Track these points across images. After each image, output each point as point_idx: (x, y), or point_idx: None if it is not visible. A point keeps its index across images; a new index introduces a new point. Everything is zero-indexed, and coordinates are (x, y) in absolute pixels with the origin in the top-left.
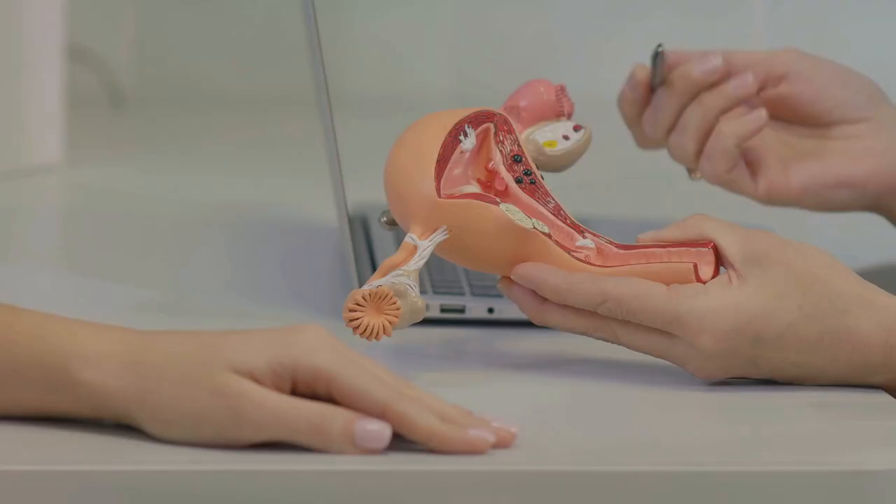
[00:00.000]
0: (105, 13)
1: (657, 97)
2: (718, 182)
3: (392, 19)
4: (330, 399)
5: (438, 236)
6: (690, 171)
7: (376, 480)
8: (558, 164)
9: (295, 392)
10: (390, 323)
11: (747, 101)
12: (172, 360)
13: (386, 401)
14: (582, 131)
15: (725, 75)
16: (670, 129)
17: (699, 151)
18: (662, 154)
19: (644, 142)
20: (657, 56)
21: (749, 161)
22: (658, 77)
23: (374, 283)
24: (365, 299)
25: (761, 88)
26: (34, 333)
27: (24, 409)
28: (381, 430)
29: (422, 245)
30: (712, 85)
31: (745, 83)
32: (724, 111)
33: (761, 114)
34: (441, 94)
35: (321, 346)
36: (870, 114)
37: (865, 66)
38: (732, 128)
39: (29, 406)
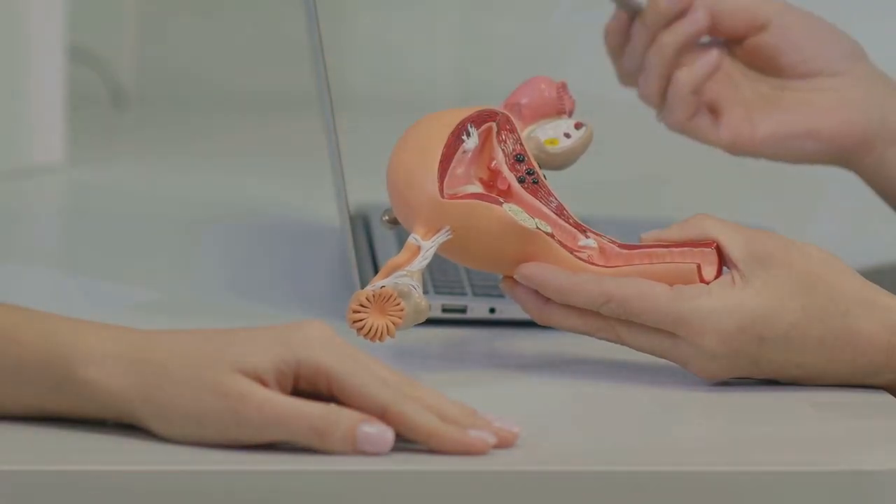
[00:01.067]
0: (106, 13)
1: (633, 29)
2: (680, 130)
3: (394, 19)
4: (331, 396)
5: (441, 237)
6: (658, 114)
7: (376, 480)
8: (559, 162)
9: (297, 388)
10: (394, 324)
11: (725, 49)
12: (176, 360)
13: (385, 400)
14: (583, 129)
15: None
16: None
17: (662, 93)
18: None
19: (625, 78)
20: None
21: (715, 109)
22: (631, 6)
23: (378, 283)
24: (369, 300)
25: (744, 36)
26: (37, 332)
27: (27, 408)
28: (383, 435)
29: (425, 246)
30: (676, 20)
31: (695, 19)
32: (681, 50)
33: (711, 57)
34: (443, 94)
35: (323, 343)
36: (845, 68)
37: None
38: (685, 75)
39: (32, 405)
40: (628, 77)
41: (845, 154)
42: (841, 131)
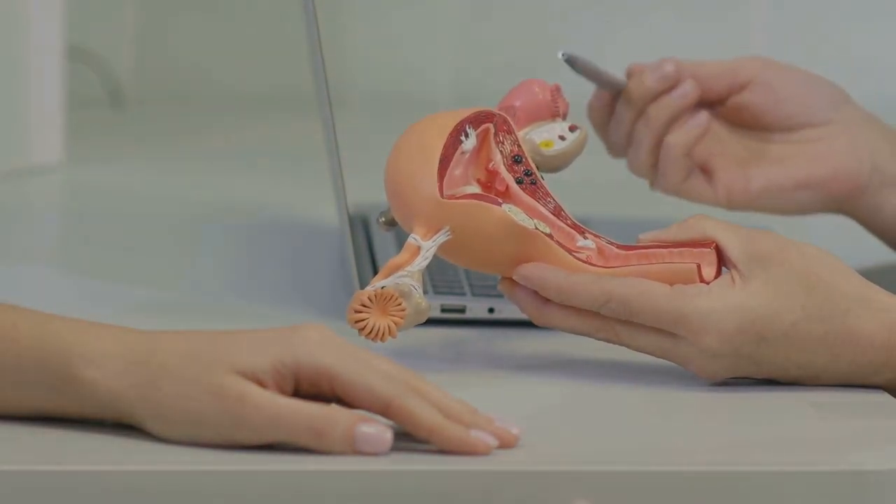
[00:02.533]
0: (105, 13)
1: (618, 106)
2: (675, 193)
3: (393, 18)
4: (334, 397)
5: (441, 237)
6: (650, 183)
7: (376, 480)
8: (555, 165)
9: (299, 391)
10: (395, 324)
11: (709, 110)
12: (175, 360)
13: (389, 395)
14: (578, 131)
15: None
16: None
17: (654, 164)
18: None
19: (615, 151)
20: (570, 63)
21: (706, 168)
22: (612, 85)
23: (378, 283)
24: (370, 301)
25: (726, 96)
26: (36, 333)
27: (26, 408)
28: (381, 435)
29: (425, 246)
30: (662, 94)
31: (685, 92)
32: (670, 122)
33: (701, 119)
34: (442, 94)
35: (323, 344)
36: (832, 116)
37: (865, 66)
38: (676, 138)
39: (31, 405)
40: (617, 148)
41: (839, 201)
42: (833, 180)
